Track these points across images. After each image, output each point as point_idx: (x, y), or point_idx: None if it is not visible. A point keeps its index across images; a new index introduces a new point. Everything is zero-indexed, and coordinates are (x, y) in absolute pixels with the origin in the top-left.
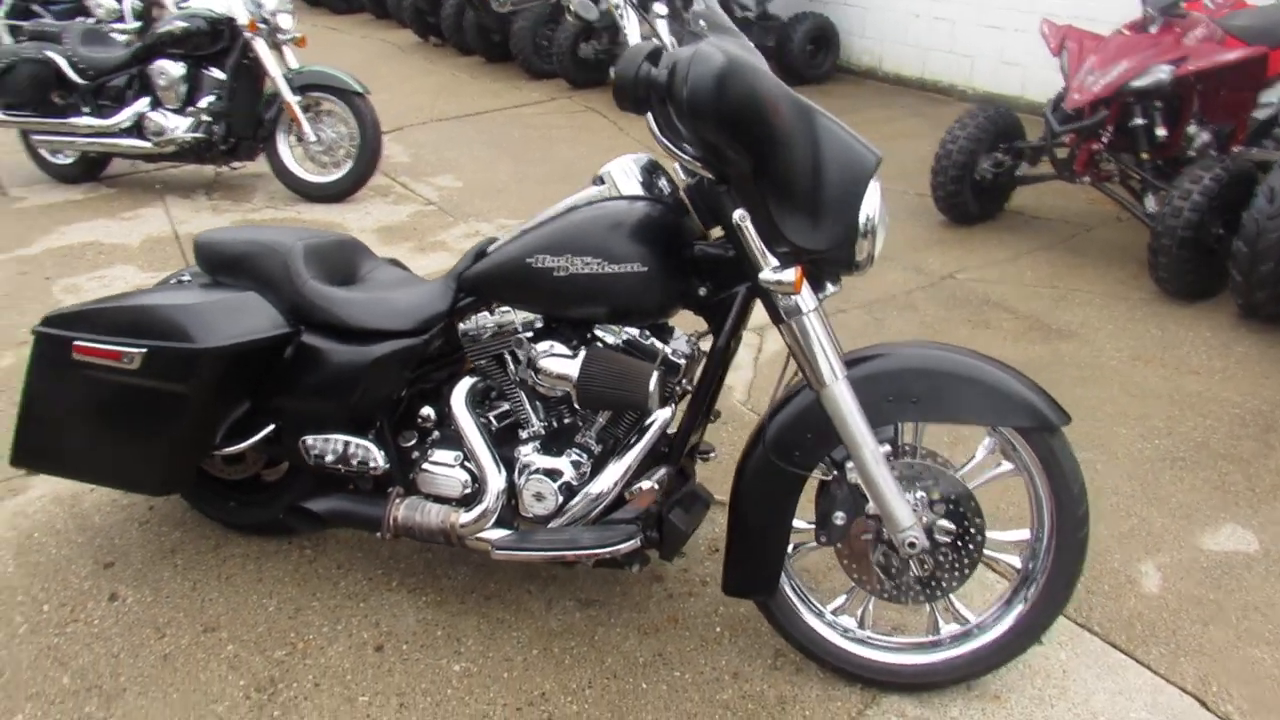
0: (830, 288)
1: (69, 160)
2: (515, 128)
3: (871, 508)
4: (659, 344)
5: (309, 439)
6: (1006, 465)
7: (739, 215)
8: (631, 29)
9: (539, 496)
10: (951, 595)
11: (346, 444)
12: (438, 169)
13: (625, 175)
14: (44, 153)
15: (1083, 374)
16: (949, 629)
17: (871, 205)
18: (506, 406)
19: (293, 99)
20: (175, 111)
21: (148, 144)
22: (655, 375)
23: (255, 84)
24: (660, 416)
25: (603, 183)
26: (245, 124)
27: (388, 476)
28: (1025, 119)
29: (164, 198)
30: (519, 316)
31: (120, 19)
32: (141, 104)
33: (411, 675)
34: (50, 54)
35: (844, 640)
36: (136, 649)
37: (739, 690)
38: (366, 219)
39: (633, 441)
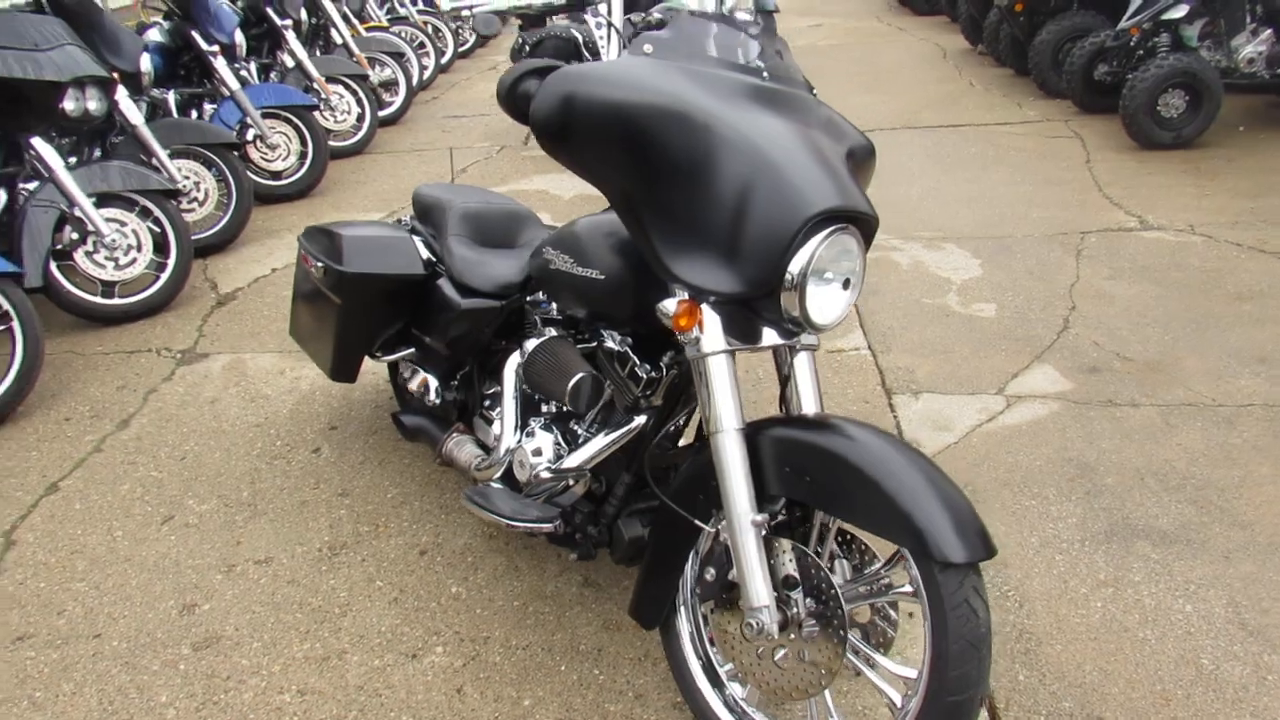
0: (773, 339)
1: None
2: (975, 145)
3: (734, 574)
4: (631, 354)
5: (402, 364)
6: (908, 587)
7: None
8: (612, 49)
9: (520, 465)
10: (831, 706)
11: (417, 373)
12: None
13: None
14: None
15: None
16: None
17: (806, 256)
18: None
19: None
20: None
21: None
22: (578, 377)
23: None
24: (636, 423)
25: None
26: None
27: (453, 410)
28: None
29: None
30: (554, 302)
31: None
32: None
33: (421, 582)
34: (574, 32)
35: (720, 706)
36: (292, 491)
37: (628, 709)
38: None
39: (595, 438)
